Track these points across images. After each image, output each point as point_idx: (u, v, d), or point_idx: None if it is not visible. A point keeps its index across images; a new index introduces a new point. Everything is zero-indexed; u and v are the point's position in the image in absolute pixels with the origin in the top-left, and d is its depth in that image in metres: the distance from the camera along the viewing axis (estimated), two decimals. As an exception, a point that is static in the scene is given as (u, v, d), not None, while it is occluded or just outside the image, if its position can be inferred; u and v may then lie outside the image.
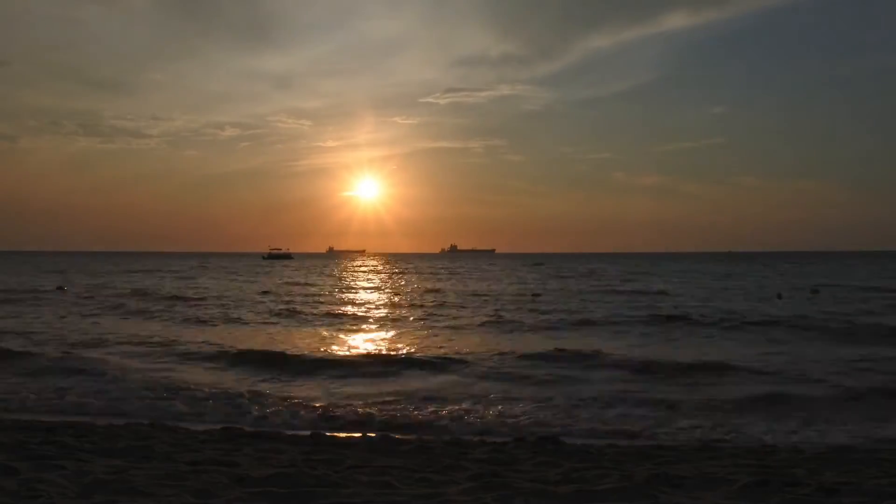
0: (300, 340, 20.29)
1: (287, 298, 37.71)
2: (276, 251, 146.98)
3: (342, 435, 9.65)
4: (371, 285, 55.50)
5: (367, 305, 34.70)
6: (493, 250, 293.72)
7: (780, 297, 38.52)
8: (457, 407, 11.61)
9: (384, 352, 18.10)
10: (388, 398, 12.34)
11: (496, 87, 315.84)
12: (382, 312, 30.42)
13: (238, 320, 26.66)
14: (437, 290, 45.29)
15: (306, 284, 54.04)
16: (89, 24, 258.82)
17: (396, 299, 38.64)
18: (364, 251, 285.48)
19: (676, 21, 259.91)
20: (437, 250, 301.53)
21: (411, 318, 27.21)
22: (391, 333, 22.56)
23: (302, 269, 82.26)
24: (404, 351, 17.95)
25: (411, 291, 45.82)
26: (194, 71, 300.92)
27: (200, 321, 26.10)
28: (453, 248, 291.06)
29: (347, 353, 17.96)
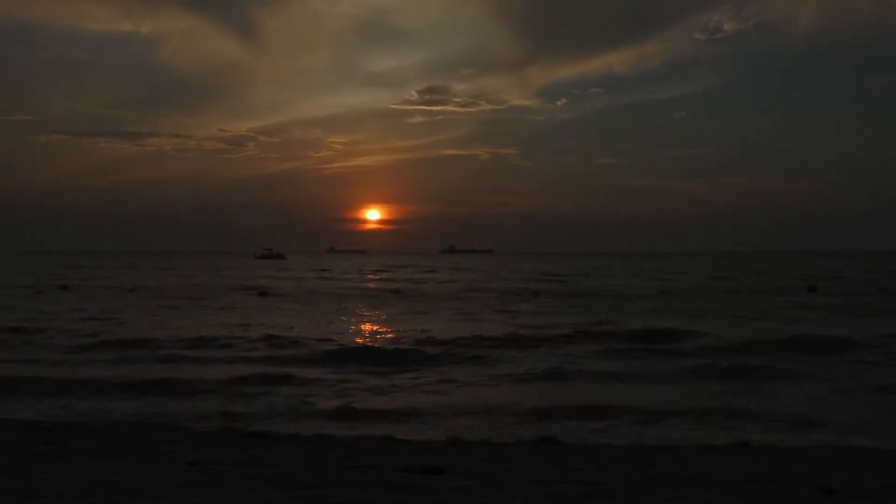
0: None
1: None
2: (268, 251, 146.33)
3: (343, 435, 9.64)
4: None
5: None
6: (492, 251, 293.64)
7: (814, 289, 38.55)
8: (457, 407, 11.61)
9: (383, 350, 18.06)
10: (388, 398, 12.34)
11: (500, 98, 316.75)
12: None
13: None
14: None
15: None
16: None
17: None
18: (365, 251, 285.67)
19: (680, 39, 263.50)
20: (436, 250, 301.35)
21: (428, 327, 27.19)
22: (395, 333, 22.53)
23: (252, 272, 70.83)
24: (404, 350, 17.93)
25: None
26: (212, 81, 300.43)
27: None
28: (452, 248, 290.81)
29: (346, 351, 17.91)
